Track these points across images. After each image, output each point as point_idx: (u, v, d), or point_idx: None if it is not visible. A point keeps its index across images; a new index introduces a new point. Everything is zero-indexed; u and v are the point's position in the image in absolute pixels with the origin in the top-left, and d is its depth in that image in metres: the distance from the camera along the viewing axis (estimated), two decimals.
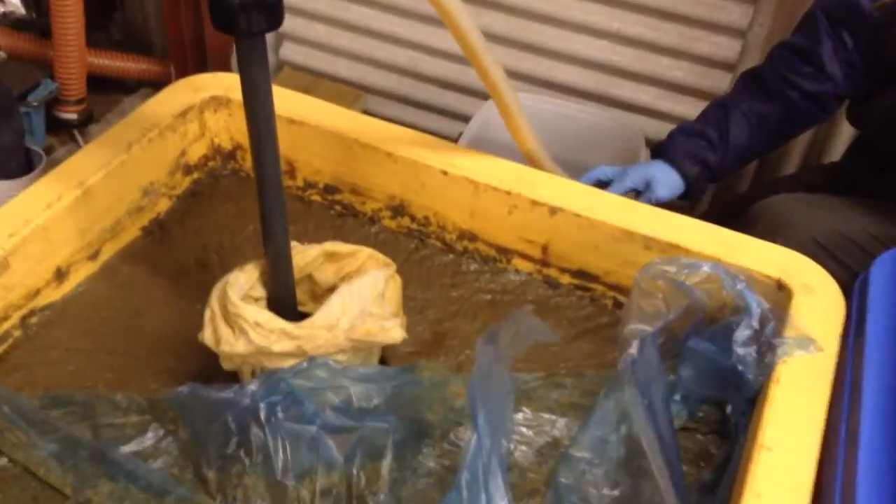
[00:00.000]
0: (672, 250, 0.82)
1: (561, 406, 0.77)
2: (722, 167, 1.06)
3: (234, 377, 0.74)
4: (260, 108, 0.64)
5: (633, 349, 0.68)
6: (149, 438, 0.71)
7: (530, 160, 0.93)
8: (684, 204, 1.58)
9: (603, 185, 1.09)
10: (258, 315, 0.68)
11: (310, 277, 0.77)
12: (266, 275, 0.73)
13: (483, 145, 1.43)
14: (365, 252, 0.77)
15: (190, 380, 0.76)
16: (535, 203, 0.86)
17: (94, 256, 0.87)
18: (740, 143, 1.04)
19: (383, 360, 0.80)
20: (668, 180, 1.06)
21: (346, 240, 0.92)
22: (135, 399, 0.73)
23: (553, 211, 0.86)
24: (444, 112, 1.74)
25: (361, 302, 0.71)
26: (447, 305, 0.88)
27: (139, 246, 0.91)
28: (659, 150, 1.09)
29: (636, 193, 1.08)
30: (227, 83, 0.97)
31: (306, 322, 0.68)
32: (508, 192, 0.87)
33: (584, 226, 0.85)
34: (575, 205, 0.85)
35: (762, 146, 1.06)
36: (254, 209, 0.93)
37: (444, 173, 0.89)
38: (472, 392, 0.57)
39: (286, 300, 0.73)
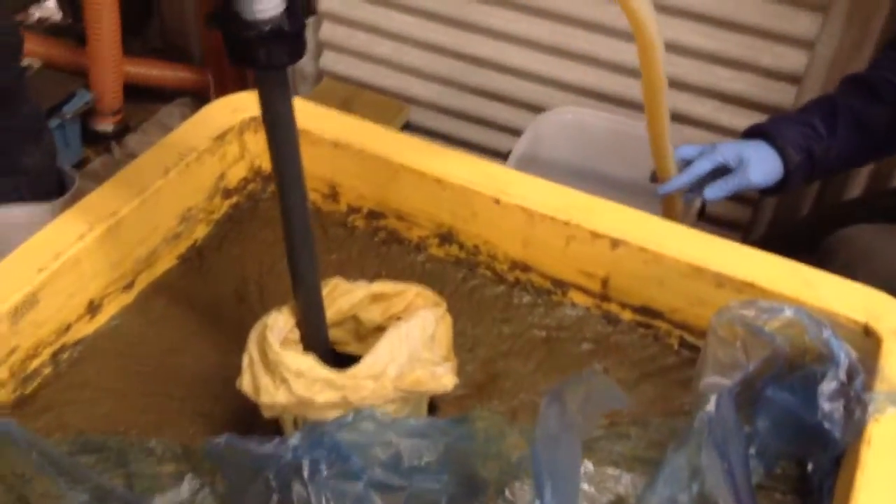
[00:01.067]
0: (746, 289, 0.76)
1: (625, 459, 0.72)
2: (825, 164, 0.98)
3: (274, 423, 0.70)
4: (284, 146, 0.60)
5: (711, 406, 0.63)
6: (184, 490, 0.67)
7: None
8: (735, 232, 1.53)
9: (685, 163, 1.02)
10: (300, 363, 0.64)
11: (354, 317, 0.73)
12: None
13: (534, 163, 1.39)
14: (413, 290, 0.73)
15: (228, 424, 0.74)
16: (594, 234, 0.82)
17: (128, 287, 0.84)
18: (847, 142, 0.97)
19: (432, 404, 0.76)
20: (765, 163, 0.97)
21: (391, 268, 0.90)
22: (170, 447, 0.69)
23: (615, 243, 0.81)
24: (490, 124, 1.69)
25: (410, 347, 0.67)
26: (499, 343, 0.83)
27: (176, 276, 0.88)
28: (755, 132, 1.01)
29: (723, 172, 0.99)
30: None
31: (351, 371, 0.64)
32: (566, 223, 0.82)
33: (649, 260, 0.80)
34: (639, 237, 0.80)
35: (868, 151, 0.98)
36: None
37: (497, 202, 0.85)
38: (538, 459, 0.52)
39: (320, 345, 0.69)
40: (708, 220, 1.47)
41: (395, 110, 1.72)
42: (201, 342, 0.82)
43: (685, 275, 0.79)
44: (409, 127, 1.77)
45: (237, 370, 0.78)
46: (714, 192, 0.98)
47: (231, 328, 0.83)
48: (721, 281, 0.77)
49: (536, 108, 1.59)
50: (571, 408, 0.53)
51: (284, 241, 0.64)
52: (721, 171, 1.00)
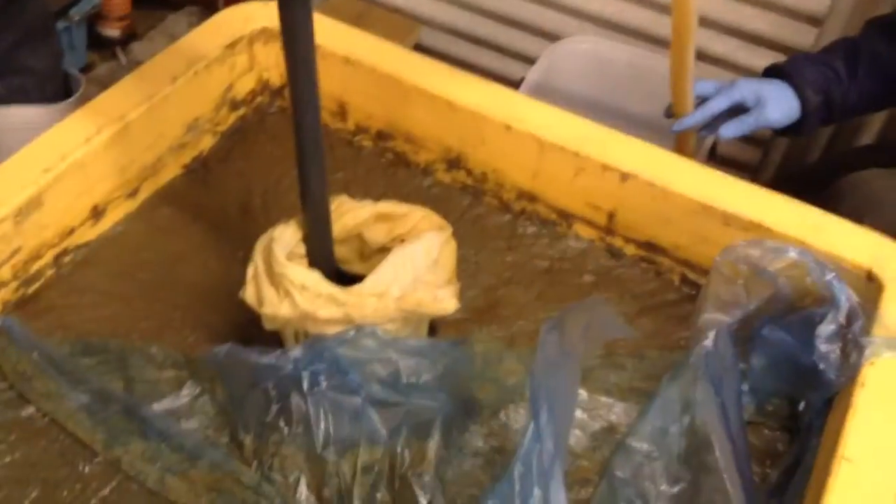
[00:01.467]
0: (753, 229, 0.76)
1: (619, 389, 0.73)
2: (843, 108, 0.96)
3: (275, 336, 0.71)
4: (301, 59, 0.58)
5: (709, 341, 0.64)
6: (184, 396, 0.68)
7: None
8: (744, 173, 1.52)
9: (700, 100, 1.00)
10: (305, 277, 0.64)
11: (359, 236, 0.73)
12: None
13: (546, 92, 1.37)
14: (419, 212, 0.73)
15: (229, 334, 0.75)
16: (605, 167, 0.81)
17: (132, 195, 0.84)
18: (867, 86, 0.95)
19: (432, 326, 0.76)
20: (783, 103, 0.95)
21: (397, 190, 0.90)
22: (171, 354, 0.70)
23: (624, 177, 0.80)
24: (503, 50, 1.66)
25: (414, 269, 0.67)
26: (501, 270, 0.84)
27: (180, 185, 0.87)
28: (775, 72, 0.99)
29: (739, 111, 0.98)
30: None
31: (355, 288, 0.64)
32: (576, 154, 0.82)
33: (658, 196, 0.79)
34: (649, 172, 0.80)
35: (888, 97, 0.96)
36: None
37: (508, 128, 0.84)
38: (535, 383, 0.53)
39: (325, 261, 0.69)
40: (718, 160, 1.46)
41: (406, 30, 1.69)
42: (204, 253, 0.82)
43: (693, 212, 0.78)
44: (419, 48, 1.74)
45: (239, 282, 0.78)
46: (730, 130, 0.97)
47: (234, 240, 0.83)
48: (728, 220, 0.77)
49: (552, 37, 1.56)
50: (572, 334, 0.54)
51: (295, 155, 0.64)
52: (737, 110, 0.98)
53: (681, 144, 1.06)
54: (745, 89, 0.96)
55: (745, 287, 0.67)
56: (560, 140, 0.82)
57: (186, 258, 0.81)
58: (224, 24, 0.91)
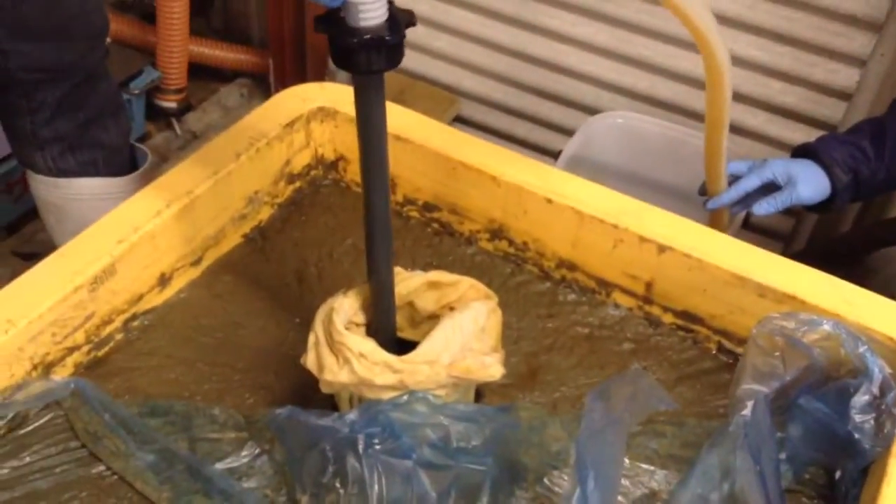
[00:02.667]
0: (787, 301, 0.78)
1: (660, 456, 0.75)
2: (872, 185, 0.99)
3: (330, 399, 0.74)
4: (374, 147, 0.63)
5: (747, 411, 0.65)
6: (244, 456, 0.71)
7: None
8: (776, 242, 1.54)
9: (733, 179, 1.04)
10: (363, 346, 0.67)
11: (410, 304, 0.77)
12: (368, 301, 0.73)
13: (583, 164, 1.41)
14: (467, 282, 0.76)
15: (286, 397, 0.78)
16: (642, 239, 0.84)
17: (196, 263, 0.88)
18: (894, 164, 0.98)
19: (478, 392, 0.79)
20: (814, 181, 0.99)
21: (442, 259, 0.93)
22: (232, 415, 0.73)
23: (661, 249, 0.83)
24: (540, 122, 1.71)
25: (463, 337, 0.70)
26: (542, 337, 0.86)
27: (240, 254, 0.92)
28: (804, 152, 1.03)
29: (771, 189, 1.01)
30: (335, 94, 0.97)
31: (409, 356, 0.67)
32: (615, 226, 0.85)
33: (694, 267, 0.82)
34: (685, 244, 0.82)
35: None
36: (353, 221, 0.96)
37: (549, 201, 0.87)
38: (582, 450, 0.55)
39: (387, 330, 0.72)
40: (751, 229, 1.48)
41: (447, 103, 1.75)
42: (262, 318, 0.85)
43: (728, 283, 0.81)
44: (459, 120, 1.80)
45: (295, 346, 0.82)
46: (763, 207, 1.00)
47: (291, 307, 0.86)
48: (763, 291, 0.79)
49: (586, 109, 1.61)
50: (617, 404, 0.56)
51: (365, 233, 0.67)
52: (769, 188, 1.02)
53: (715, 218, 1.09)
54: (777, 168, 0.99)
55: (781, 358, 0.69)
56: (599, 213, 0.85)
57: (245, 323, 0.85)
58: (283, 103, 0.96)
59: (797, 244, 1.54)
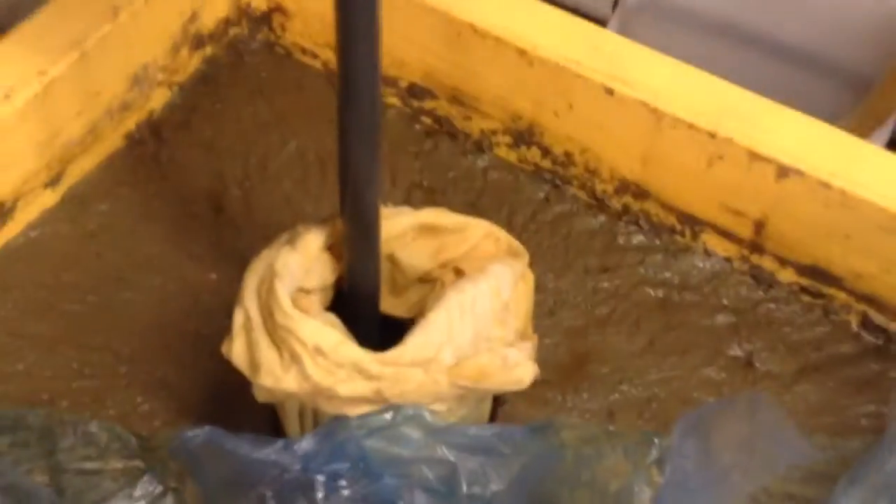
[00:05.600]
0: None
1: (771, 497, 0.74)
2: None
3: (269, 412, 0.73)
4: None
5: None
6: (138, 498, 0.70)
7: None
8: None
9: None
10: (321, 335, 0.65)
11: (391, 258, 0.74)
12: (333, 253, 0.71)
13: (663, 12, 1.36)
14: (481, 227, 0.74)
15: (200, 404, 0.77)
16: (754, 155, 0.82)
17: (53, 183, 0.86)
18: None
19: (496, 397, 0.78)
20: None
21: (438, 177, 0.93)
22: (118, 433, 0.72)
23: (783, 171, 0.81)
24: None
25: (475, 320, 0.68)
26: (594, 304, 0.85)
27: (121, 166, 0.89)
28: None
29: None
30: None
31: (392, 353, 0.65)
32: (712, 134, 0.82)
33: (834, 201, 0.80)
34: (823, 165, 0.80)
35: None
36: (297, 109, 0.94)
37: (609, 92, 0.85)
38: None
39: (366, 306, 0.71)
40: None
41: None
42: (158, 273, 0.84)
43: (886, 229, 0.79)
44: None
45: (211, 319, 0.81)
46: None
47: (203, 252, 0.85)
48: None
49: None
50: (720, 448, 0.55)
51: (339, 133, 0.63)
52: None
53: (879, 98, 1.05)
54: None
55: None
56: (688, 112, 0.83)
57: (132, 281, 0.83)
58: None
59: None
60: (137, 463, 0.72)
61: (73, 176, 0.87)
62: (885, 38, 1.06)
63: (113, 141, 0.90)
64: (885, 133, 1.27)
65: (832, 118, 0.88)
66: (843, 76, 1.04)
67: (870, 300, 0.84)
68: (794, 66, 1.24)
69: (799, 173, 0.81)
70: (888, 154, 0.83)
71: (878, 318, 0.84)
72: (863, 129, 1.01)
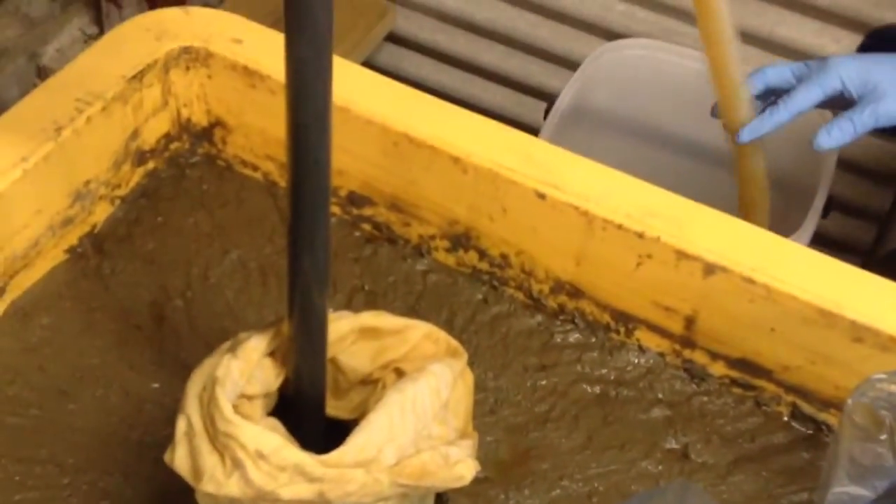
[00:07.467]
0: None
1: None
2: None
3: None
4: (313, 84, 0.57)
5: None
6: None
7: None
8: (853, 258, 1.56)
9: (775, 95, 1.00)
10: (262, 440, 0.65)
11: (333, 361, 0.75)
12: (276, 355, 0.71)
13: (587, 118, 1.40)
14: (420, 329, 0.75)
15: None
16: (681, 254, 0.84)
17: None
18: None
19: (438, 495, 0.78)
20: None
21: (378, 281, 0.94)
22: None
23: (710, 269, 0.83)
24: (519, 46, 1.71)
25: (416, 420, 0.69)
26: (533, 402, 0.86)
27: (64, 280, 0.90)
28: (883, 40, 1.00)
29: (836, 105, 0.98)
30: (208, 27, 0.95)
31: (334, 455, 0.66)
32: (640, 235, 0.85)
33: (759, 296, 0.82)
34: (745, 262, 0.83)
35: None
36: (237, 221, 0.94)
37: (542, 196, 0.87)
38: None
39: (311, 409, 0.71)
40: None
41: (377, 13, 1.74)
42: (100, 384, 0.84)
43: (809, 321, 0.81)
44: (394, 39, 1.79)
45: (154, 429, 0.81)
46: (835, 136, 0.95)
47: (145, 363, 0.85)
48: (861, 334, 0.80)
49: (597, 32, 1.60)
50: None
51: (288, 245, 0.63)
52: (834, 104, 0.97)
53: (745, 173, 1.06)
54: (846, 72, 0.94)
55: (891, 444, 0.70)
56: (617, 214, 0.85)
57: (74, 393, 0.83)
58: (125, 42, 0.93)
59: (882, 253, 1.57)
60: None
61: (15, 290, 0.87)
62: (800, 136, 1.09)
63: (55, 255, 0.90)
64: (820, 198, 1.28)
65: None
66: None
67: (798, 391, 0.86)
68: (713, 165, 1.28)
69: (724, 270, 0.83)
70: (808, 250, 0.85)
71: (807, 408, 0.86)
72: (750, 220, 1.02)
